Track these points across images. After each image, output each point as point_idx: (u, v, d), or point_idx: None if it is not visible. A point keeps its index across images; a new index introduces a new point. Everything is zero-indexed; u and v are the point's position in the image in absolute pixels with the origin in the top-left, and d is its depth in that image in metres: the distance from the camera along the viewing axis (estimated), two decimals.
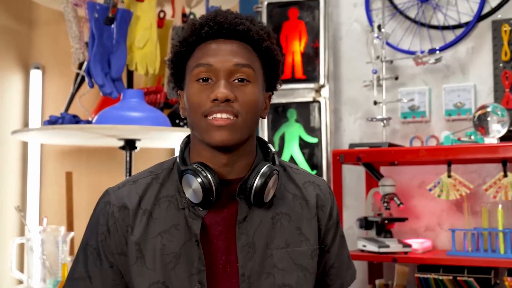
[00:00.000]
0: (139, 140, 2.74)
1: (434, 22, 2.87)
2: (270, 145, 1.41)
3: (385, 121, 2.73)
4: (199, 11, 2.97)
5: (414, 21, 2.89)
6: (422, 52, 2.75)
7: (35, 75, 3.22)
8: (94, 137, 2.67)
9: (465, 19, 2.80)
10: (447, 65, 2.83)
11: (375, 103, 2.77)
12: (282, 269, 1.34)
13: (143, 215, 1.33)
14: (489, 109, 2.46)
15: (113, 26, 2.57)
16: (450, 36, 2.83)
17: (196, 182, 1.27)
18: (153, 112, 2.54)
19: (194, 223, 1.31)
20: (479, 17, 2.76)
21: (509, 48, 2.67)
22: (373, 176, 2.70)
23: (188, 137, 1.41)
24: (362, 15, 3.02)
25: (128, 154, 2.75)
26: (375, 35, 2.76)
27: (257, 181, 1.30)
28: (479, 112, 2.48)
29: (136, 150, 2.77)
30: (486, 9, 2.76)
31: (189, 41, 1.31)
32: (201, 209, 1.32)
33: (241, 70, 1.28)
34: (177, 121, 2.69)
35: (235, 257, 1.32)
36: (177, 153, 3.87)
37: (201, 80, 1.28)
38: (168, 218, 1.32)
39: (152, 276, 1.30)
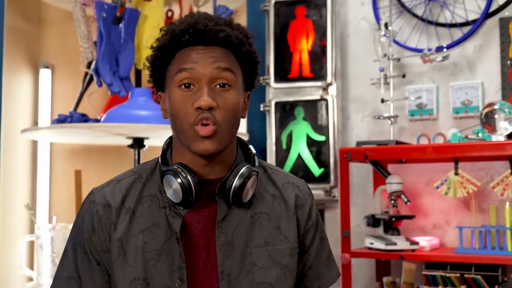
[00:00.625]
0: (147, 138, 2.76)
1: (441, 20, 2.87)
2: (250, 146, 1.45)
3: (392, 119, 2.74)
4: (206, 10, 2.98)
5: (421, 19, 2.89)
6: (429, 50, 2.75)
7: (44, 74, 3.25)
8: (102, 135, 2.69)
9: (472, 16, 2.80)
10: (454, 63, 2.83)
11: (383, 101, 2.77)
12: (261, 267, 1.37)
13: (126, 213, 1.36)
14: (496, 107, 2.46)
15: (121, 25, 2.58)
16: (458, 33, 2.83)
17: (176, 182, 1.31)
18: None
19: (174, 222, 1.34)
20: (487, 14, 2.76)
21: None
22: (380, 174, 2.71)
23: (170, 137, 1.44)
24: (369, 13, 3.02)
25: (136, 153, 2.77)
26: (382, 33, 2.76)
27: (236, 182, 1.33)
28: (486, 110, 2.48)
29: (144, 149, 2.79)
30: (493, 7, 2.75)
31: (169, 47, 1.33)
32: (181, 208, 1.35)
33: (222, 75, 1.31)
34: None
35: (214, 255, 1.35)
36: None
37: (183, 86, 1.30)
38: (150, 216, 1.36)
39: (134, 273, 1.33)
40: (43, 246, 2.78)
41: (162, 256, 1.34)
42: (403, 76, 2.81)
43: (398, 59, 2.86)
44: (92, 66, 2.80)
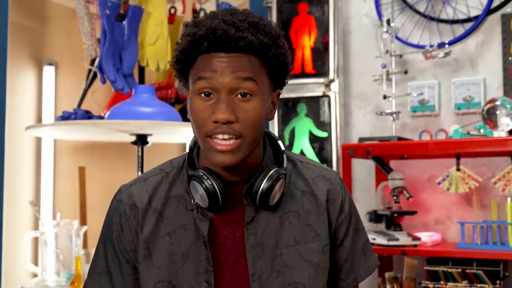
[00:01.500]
0: (150, 135, 2.78)
1: (443, 16, 2.87)
2: (279, 142, 1.42)
3: (394, 115, 2.75)
4: (210, 7, 3.00)
5: (423, 15, 2.90)
6: (431, 46, 2.75)
7: (48, 71, 3.27)
8: (106, 132, 2.70)
9: (474, 12, 2.81)
10: (456, 59, 2.84)
11: (385, 97, 2.78)
12: (292, 267, 1.35)
13: (153, 214, 1.36)
14: (498, 103, 2.47)
15: (124, 22, 2.60)
16: (460, 30, 2.84)
17: (202, 188, 1.30)
18: (165, 107, 2.57)
19: (202, 224, 1.33)
20: (489, 10, 2.76)
21: None
22: (383, 169, 2.72)
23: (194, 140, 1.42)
24: (371, 10, 3.03)
25: (140, 149, 2.79)
26: (385, 29, 2.77)
27: (264, 185, 1.31)
28: (488, 106, 2.49)
29: (147, 145, 2.80)
30: (495, 3, 2.76)
31: (190, 51, 1.29)
32: (208, 211, 1.34)
33: (242, 85, 1.26)
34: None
35: (244, 257, 1.34)
36: (187, 149, 3.89)
37: (202, 95, 1.27)
38: (177, 218, 1.35)
39: (159, 274, 1.33)
40: (47, 242, 2.80)
41: (188, 258, 1.33)
42: (405, 72, 2.82)
43: (400, 56, 2.87)
44: (96, 63, 2.83)
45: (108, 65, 2.54)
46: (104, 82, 2.62)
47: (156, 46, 2.68)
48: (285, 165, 1.37)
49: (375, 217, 2.68)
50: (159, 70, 2.72)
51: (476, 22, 2.79)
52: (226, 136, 1.25)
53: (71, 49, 3.28)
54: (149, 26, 2.68)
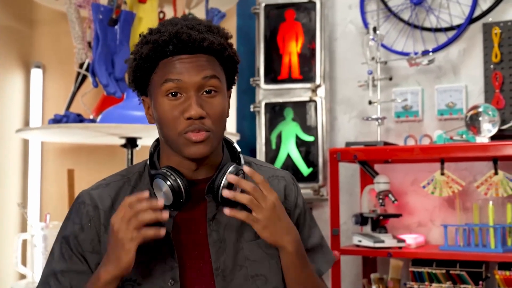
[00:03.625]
0: (140, 138, 2.81)
1: (427, 24, 2.96)
2: (235, 144, 1.49)
3: (379, 120, 2.82)
4: (198, 13, 3.04)
5: (407, 23, 2.98)
6: (416, 53, 2.83)
7: (36, 74, 3.28)
8: (97, 135, 2.73)
9: (457, 21, 2.89)
10: (439, 66, 2.93)
11: (370, 102, 2.85)
12: (254, 260, 1.41)
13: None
14: (480, 109, 2.56)
15: (116, 27, 2.63)
16: (442, 38, 2.92)
17: (166, 185, 1.34)
18: None
19: (165, 223, 1.35)
20: (471, 19, 2.85)
21: (499, 50, 2.77)
22: (369, 173, 2.79)
23: (157, 140, 1.48)
24: (356, 17, 3.10)
25: (129, 152, 2.82)
26: (371, 37, 2.84)
27: (224, 181, 1.35)
28: (471, 112, 2.57)
29: (137, 148, 2.84)
30: (477, 12, 2.85)
31: (152, 57, 1.35)
32: (172, 209, 1.37)
33: (208, 83, 1.35)
34: None
35: (207, 253, 1.39)
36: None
37: (170, 95, 1.33)
38: None
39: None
40: (36, 244, 2.81)
41: (153, 257, 1.37)
42: (390, 78, 2.90)
43: (385, 62, 2.94)
44: (85, 66, 2.85)
45: (100, 69, 2.56)
46: (96, 86, 2.64)
47: None
48: (242, 161, 1.45)
49: (361, 219, 2.74)
50: None
51: (458, 30, 2.87)
52: (199, 133, 1.33)
53: (59, 52, 3.30)
54: (140, 31, 2.71)
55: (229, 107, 1.46)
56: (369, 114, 2.95)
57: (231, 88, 1.48)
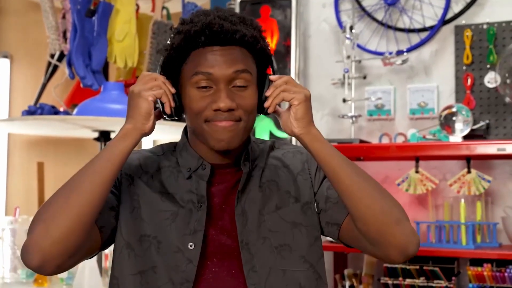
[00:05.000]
0: (113, 131, 2.77)
1: (400, 25, 3.01)
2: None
3: (354, 118, 2.86)
4: (174, 6, 3.01)
5: (381, 23, 3.03)
6: (390, 53, 2.88)
7: (3, 64, 3.19)
8: (70, 128, 2.68)
9: (429, 23, 2.95)
10: (411, 66, 2.98)
11: (344, 100, 2.89)
12: (276, 231, 1.40)
13: (145, 175, 1.41)
14: (455, 110, 2.62)
15: (94, 18, 2.59)
16: (415, 38, 2.98)
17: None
18: None
19: (200, 184, 1.38)
20: (443, 21, 2.92)
21: (471, 52, 2.84)
22: None
23: (184, 129, 1.48)
24: (330, 16, 3.13)
25: (102, 145, 2.78)
26: (347, 35, 2.88)
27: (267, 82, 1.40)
28: (446, 112, 2.64)
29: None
30: (449, 15, 2.92)
31: (184, 48, 1.34)
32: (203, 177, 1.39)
33: (240, 76, 1.33)
34: None
35: (230, 224, 1.39)
36: (146, 146, 3.84)
37: (201, 87, 1.33)
38: (168, 184, 1.40)
39: (146, 228, 1.37)
40: (4, 238, 2.75)
41: (178, 218, 1.37)
42: (364, 77, 2.94)
43: (359, 61, 2.98)
44: (56, 57, 2.79)
45: (78, 61, 2.52)
46: (73, 77, 2.60)
47: (124, 43, 2.68)
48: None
49: None
50: (127, 67, 2.72)
51: (431, 32, 2.93)
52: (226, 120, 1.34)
53: (27, 43, 3.22)
54: (117, 23, 2.68)
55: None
56: (341, 112, 2.98)
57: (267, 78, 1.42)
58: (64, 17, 2.69)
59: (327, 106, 3.12)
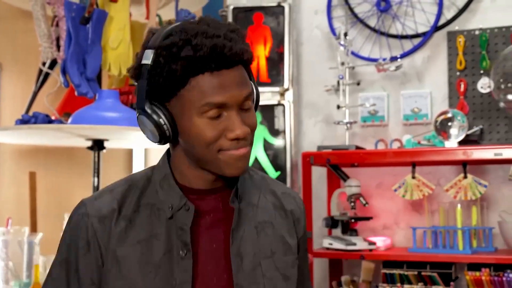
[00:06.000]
0: (107, 140, 2.75)
1: (393, 31, 3.02)
2: None
3: (348, 125, 2.86)
4: (168, 13, 3.00)
5: (374, 29, 3.04)
6: (384, 59, 2.89)
7: None
8: (65, 137, 2.65)
9: (422, 29, 2.97)
10: (404, 72, 2.99)
11: (339, 107, 2.89)
12: (270, 278, 1.31)
13: (122, 220, 1.26)
14: (451, 115, 2.64)
15: (88, 26, 2.56)
16: (408, 45, 2.99)
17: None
18: (129, 112, 2.56)
19: (183, 234, 1.26)
20: (436, 27, 2.93)
21: (464, 58, 2.86)
22: (340, 177, 2.82)
23: (167, 153, 1.35)
24: (322, 22, 3.14)
25: (96, 155, 2.74)
26: (341, 42, 2.88)
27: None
28: (442, 117, 2.65)
29: (104, 150, 2.77)
30: (442, 21, 2.94)
31: (187, 75, 1.19)
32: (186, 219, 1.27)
33: (248, 98, 1.23)
34: None
35: (222, 267, 1.28)
36: (137, 154, 3.80)
37: (211, 118, 1.20)
38: (149, 227, 1.26)
39: (128, 285, 1.24)
40: None
41: (160, 270, 1.24)
42: (358, 83, 2.94)
43: (353, 67, 2.99)
44: (47, 65, 2.75)
45: (72, 69, 2.49)
46: (67, 85, 2.57)
47: (119, 51, 2.66)
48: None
49: (332, 222, 2.77)
50: (121, 75, 2.70)
51: (424, 38, 2.95)
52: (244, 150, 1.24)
53: (16, 51, 3.17)
54: (111, 30, 2.65)
55: None
56: (334, 118, 2.99)
57: None
58: (57, 25, 2.65)
59: (321, 112, 3.12)
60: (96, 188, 2.64)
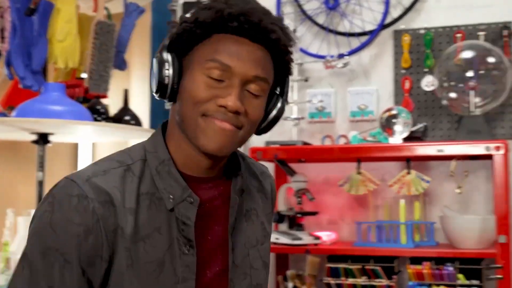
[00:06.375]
0: (53, 134, 2.71)
1: (341, 29, 3.06)
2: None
3: (297, 121, 2.89)
4: (116, 6, 2.97)
5: (322, 27, 3.07)
6: (331, 56, 2.93)
7: None
8: (8, 130, 2.60)
9: (369, 27, 3.02)
10: (351, 70, 3.04)
11: (287, 103, 2.91)
12: (256, 268, 1.28)
13: (129, 215, 1.13)
14: (395, 112, 2.69)
15: (34, 17, 2.52)
16: (355, 42, 3.04)
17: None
18: (75, 106, 2.52)
19: (186, 228, 1.17)
20: (382, 26, 2.99)
21: (409, 56, 2.92)
22: (287, 172, 2.85)
23: (163, 125, 1.25)
24: None
25: (41, 149, 2.70)
26: None
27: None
28: (387, 114, 2.70)
29: (49, 144, 2.73)
30: (388, 19, 2.99)
31: (208, 26, 1.14)
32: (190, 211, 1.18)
33: (257, 82, 1.15)
34: (96, 116, 2.68)
35: (219, 261, 1.23)
36: (83, 149, 3.71)
37: (211, 77, 1.14)
38: (151, 220, 1.16)
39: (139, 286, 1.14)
40: None
41: (164, 267, 1.15)
42: (306, 80, 2.97)
43: (301, 64, 3.01)
44: None
45: (17, 61, 2.44)
46: (11, 78, 2.52)
47: (65, 44, 2.62)
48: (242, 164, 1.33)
49: (278, 217, 2.79)
50: (68, 68, 2.65)
51: (370, 36, 3.00)
52: (227, 125, 1.15)
53: None
54: (58, 22, 2.60)
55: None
56: (285, 114, 3.01)
57: (275, 92, 1.26)
58: (1, 16, 2.60)
59: None
60: (40, 184, 2.60)
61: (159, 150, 1.20)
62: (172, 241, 1.16)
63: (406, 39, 2.93)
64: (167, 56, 1.17)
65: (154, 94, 1.19)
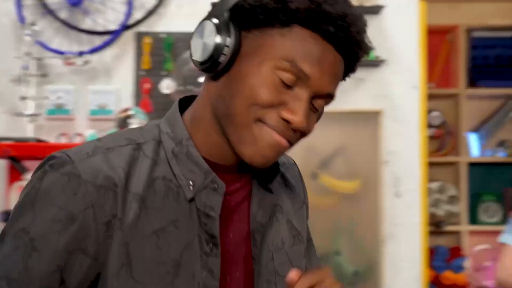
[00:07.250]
0: None
1: (83, 26, 3.04)
2: None
3: (32, 117, 2.81)
4: None
5: (64, 22, 3.02)
6: (72, 53, 2.89)
7: None
8: None
9: (112, 27, 3.04)
10: (93, 68, 3.03)
11: (23, 98, 2.82)
12: (283, 275, 1.03)
13: (133, 202, 0.93)
14: (132, 112, 2.74)
15: None
16: (98, 41, 3.03)
17: None
18: None
19: (210, 218, 0.97)
20: (125, 27, 3.02)
21: (150, 59, 2.99)
22: (20, 170, 2.75)
23: (182, 101, 1.05)
24: (10, 9, 3.03)
25: None
26: (28, 31, 2.81)
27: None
28: (124, 114, 2.74)
29: None
30: (131, 21, 3.03)
31: (295, 15, 0.91)
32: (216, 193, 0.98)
33: (326, 99, 0.97)
34: None
35: (242, 265, 1.03)
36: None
37: (282, 80, 0.93)
38: (166, 210, 0.95)
39: None
40: None
41: (181, 269, 0.95)
42: (44, 75, 2.90)
43: (40, 59, 2.93)
44: None
45: None
46: None
47: None
48: None
49: (6, 218, 2.69)
50: None
51: (113, 36, 3.02)
52: (283, 140, 0.96)
53: None
54: None
55: None
56: (20, 110, 2.91)
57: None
58: None
59: (6, 103, 3.02)
60: None
61: (176, 130, 0.99)
62: (191, 238, 0.96)
63: (148, 41, 3.00)
64: (231, 25, 0.94)
65: (196, 65, 0.98)
